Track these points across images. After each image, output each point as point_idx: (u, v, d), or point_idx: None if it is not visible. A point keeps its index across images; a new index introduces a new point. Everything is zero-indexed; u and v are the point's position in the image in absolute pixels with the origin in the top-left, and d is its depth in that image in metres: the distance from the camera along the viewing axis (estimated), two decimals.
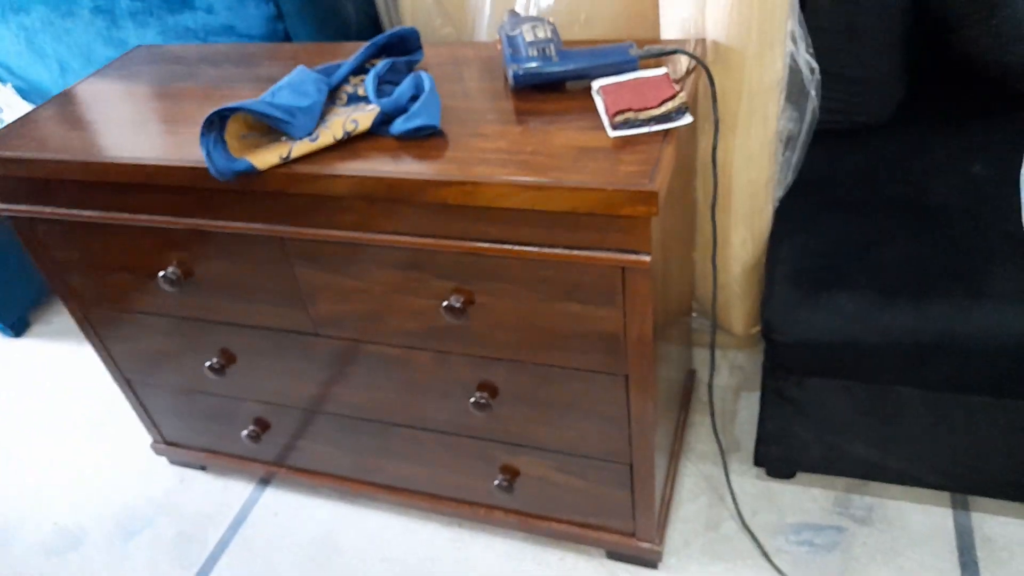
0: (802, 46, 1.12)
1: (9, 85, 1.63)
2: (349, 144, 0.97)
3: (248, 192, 1.01)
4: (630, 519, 1.21)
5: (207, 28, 1.36)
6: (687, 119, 0.89)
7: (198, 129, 1.07)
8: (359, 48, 1.18)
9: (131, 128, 1.10)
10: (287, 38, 1.33)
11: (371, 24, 1.48)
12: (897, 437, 1.19)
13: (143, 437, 1.65)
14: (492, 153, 0.91)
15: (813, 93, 1.16)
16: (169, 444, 1.52)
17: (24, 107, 1.63)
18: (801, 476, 1.37)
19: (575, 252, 0.89)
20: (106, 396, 1.76)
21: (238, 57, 1.27)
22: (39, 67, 1.56)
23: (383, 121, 0.98)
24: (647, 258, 0.86)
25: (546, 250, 0.90)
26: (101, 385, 1.79)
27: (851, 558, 1.24)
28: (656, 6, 1.23)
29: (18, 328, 1.97)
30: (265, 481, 1.51)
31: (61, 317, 2.02)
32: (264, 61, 1.24)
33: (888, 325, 1.07)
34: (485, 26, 1.42)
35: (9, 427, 1.73)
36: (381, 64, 1.04)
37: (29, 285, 1.95)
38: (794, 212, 1.27)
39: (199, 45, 1.34)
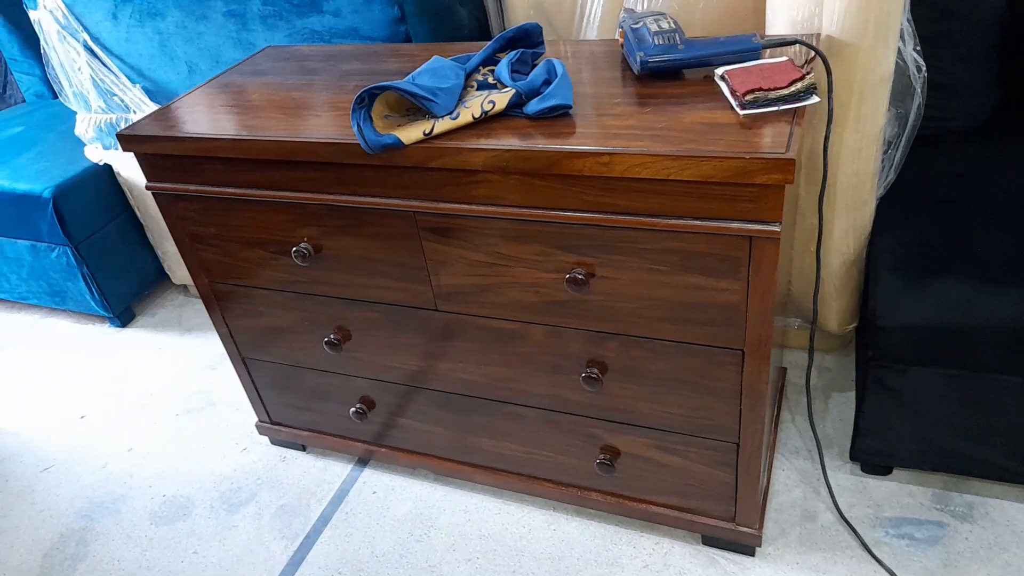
0: (909, 43, 1.16)
1: (138, 86, 1.76)
2: (485, 123, 1.04)
3: (386, 167, 1.08)
4: (731, 502, 1.23)
5: (332, 31, 1.46)
6: (815, 99, 0.94)
7: (336, 113, 1.16)
8: (476, 47, 1.27)
9: (272, 111, 1.19)
10: (407, 39, 1.43)
11: (480, 28, 1.57)
12: (999, 430, 1.19)
13: (244, 420, 1.72)
14: (624, 129, 0.97)
15: (919, 90, 1.20)
16: (274, 424, 1.59)
17: (151, 107, 1.76)
18: (896, 473, 1.38)
19: (705, 223, 0.94)
20: (207, 381, 1.85)
21: (364, 55, 1.37)
22: (168, 69, 1.69)
23: (516, 103, 1.05)
24: (778, 228, 0.91)
25: (675, 221, 0.96)
26: (202, 372, 1.89)
27: (954, 553, 1.24)
28: (761, 6, 1.28)
29: (124, 319, 2.08)
30: (363, 461, 1.57)
31: (164, 309, 2.13)
32: (389, 59, 1.34)
33: (996, 310, 1.09)
34: (585, 30, 1.50)
35: (119, 409, 1.82)
36: (512, 53, 1.12)
37: (134, 278, 2.07)
38: (895, 208, 1.30)
39: (325, 45, 1.45)
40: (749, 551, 1.28)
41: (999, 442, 1.21)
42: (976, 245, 1.18)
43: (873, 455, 1.33)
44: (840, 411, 1.51)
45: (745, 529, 1.25)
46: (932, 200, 1.30)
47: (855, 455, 1.35)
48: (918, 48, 1.18)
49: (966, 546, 1.25)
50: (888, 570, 1.23)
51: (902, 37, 1.16)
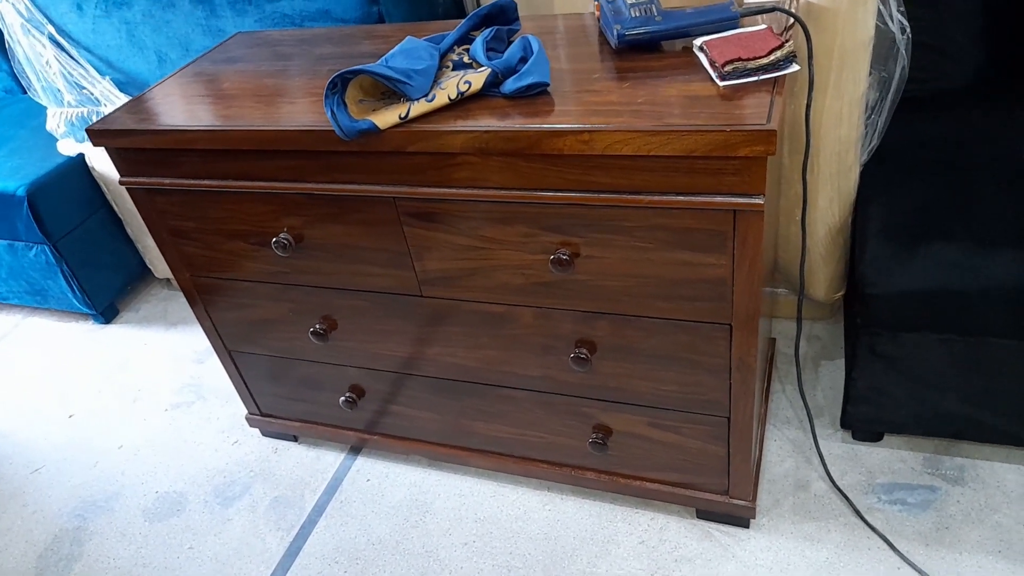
0: (893, 5, 1.14)
1: (108, 78, 1.72)
2: (462, 104, 1.02)
3: (365, 153, 1.06)
4: (724, 476, 1.24)
5: (303, 14, 1.43)
6: (795, 67, 0.92)
7: (311, 99, 1.13)
8: (450, 25, 1.24)
9: (247, 100, 1.17)
10: (380, 20, 1.40)
11: (455, 5, 1.54)
12: (994, 392, 1.20)
13: (234, 412, 1.71)
14: (603, 106, 0.95)
15: (904, 52, 1.19)
16: (264, 416, 1.58)
17: (121, 99, 1.72)
18: (887, 439, 1.38)
19: (689, 198, 0.93)
20: (195, 375, 1.84)
21: (336, 38, 1.34)
22: (138, 59, 1.65)
23: (493, 82, 1.03)
24: (761, 200, 0.90)
25: (659, 197, 0.94)
26: (190, 366, 1.87)
27: (946, 516, 1.25)
28: None
29: (108, 315, 2.06)
30: (356, 449, 1.56)
31: (148, 303, 2.11)
32: (362, 41, 1.31)
33: (989, 272, 1.09)
34: (560, 3, 1.48)
35: (107, 407, 1.81)
36: (487, 31, 1.09)
37: (115, 274, 2.04)
38: (880, 173, 1.29)
39: (297, 29, 1.42)
40: (744, 523, 1.29)
41: (994, 405, 1.21)
42: (965, 208, 1.17)
43: (864, 422, 1.33)
44: (830, 379, 1.52)
45: (739, 502, 1.25)
46: (918, 164, 1.29)
47: (846, 423, 1.35)
48: (902, 9, 1.17)
49: (958, 509, 1.26)
50: (881, 536, 1.24)
51: None
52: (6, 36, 1.75)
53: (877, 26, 1.15)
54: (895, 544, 1.22)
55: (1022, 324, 1.11)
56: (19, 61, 1.79)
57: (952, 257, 1.10)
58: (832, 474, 1.34)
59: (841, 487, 1.32)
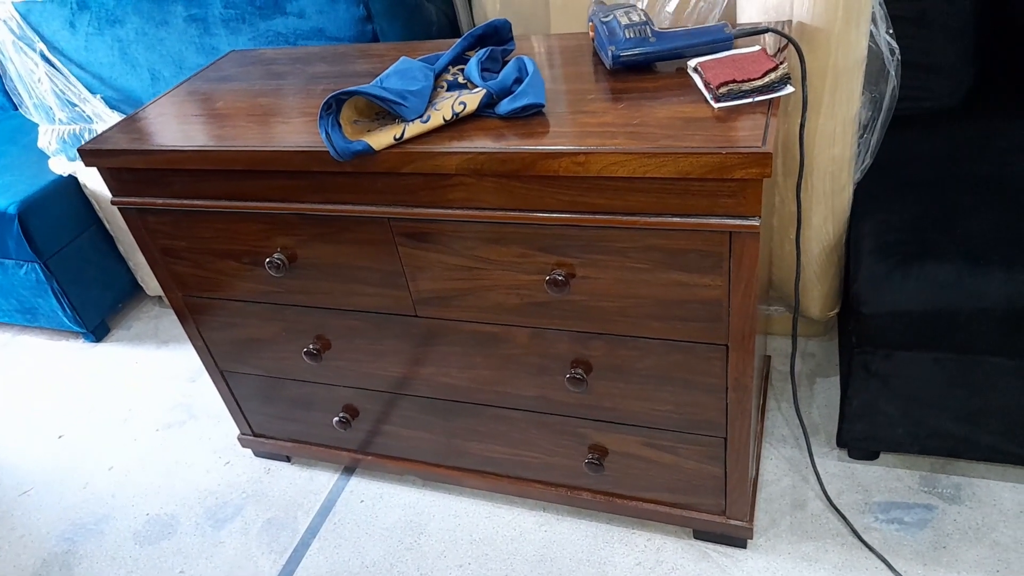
0: (882, 27, 1.15)
1: (99, 96, 1.71)
2: (456, 125, 1.02)
3: (359, 174, 1.06)
4: (721, 496, 1.23)
5: (297, 32, 1.43)
6: (789, 89, 0.93)
7: (305, 119, 1.13)
8: (445, 44, 1.24)
9: (240, 119, 1.16)
10: (375, 39, 1.40)
11: (450, 24, 1.55)
12: (988, 410, 1.20)
13: (226, 432, 1.70)
14: (599, 127, 0.95)
15: (893, 73, 1.19)
16: (257, 436, 1.56)
17: (113, 117, 1.71)
18: (883, 457, 1.38)
19: (684, 219, 0.93)
20: (187, 394, 1.82)
21: (330, 57, 1.34)
22: (131, 77, 1.64)
23: (488, 103, 1.03)
24: (756, 222, 0.89)
25: (654, 218, 0.94)
26: (181, 384, 1.85)
27: (943, 535, 1.24)
28: None
29: (99, 334, 2.04)
30: (350, 470, 1.55)
31: (139, 321, 2.09)
32: (356, 60, 1.31)
33: (981, 291, 1.09)
34: (554, 24, 1.48)
35: (98, 427, 1.79)
36: (482, 51, 1.09)
37: (107, 292, 2.03)
38: (874, 192, 1.30)
39: (291, 48, 1.41)
40: (741, 543, 1.28)
41: (988, 423, 1.21)
42: (958, 226, 1.17)
43: (860, 440, 1.33)
44: (826, 397, 1.51)
45: (736, 522, 1.24)
46: (910, 182, 1.30)
47: (842, 441, 1.35)
48: (891, 31, 1.18)
49: (955, 528, 1.25)
50: (879, 556, 1.23)
51: (874, 20, 1.15)
52: None
53: (868, 46, 1.16)
54: (892, 563, 1.22)
55: (1016, 342, 1.11)
56: (10, 78, 1.78)
57: (945, 275, 1.11)
58: (829, 493, 1.34)
59: (838, 506, 1.31)
